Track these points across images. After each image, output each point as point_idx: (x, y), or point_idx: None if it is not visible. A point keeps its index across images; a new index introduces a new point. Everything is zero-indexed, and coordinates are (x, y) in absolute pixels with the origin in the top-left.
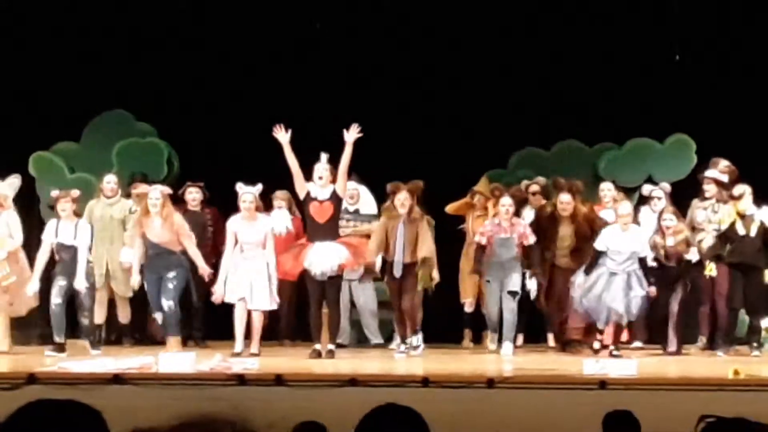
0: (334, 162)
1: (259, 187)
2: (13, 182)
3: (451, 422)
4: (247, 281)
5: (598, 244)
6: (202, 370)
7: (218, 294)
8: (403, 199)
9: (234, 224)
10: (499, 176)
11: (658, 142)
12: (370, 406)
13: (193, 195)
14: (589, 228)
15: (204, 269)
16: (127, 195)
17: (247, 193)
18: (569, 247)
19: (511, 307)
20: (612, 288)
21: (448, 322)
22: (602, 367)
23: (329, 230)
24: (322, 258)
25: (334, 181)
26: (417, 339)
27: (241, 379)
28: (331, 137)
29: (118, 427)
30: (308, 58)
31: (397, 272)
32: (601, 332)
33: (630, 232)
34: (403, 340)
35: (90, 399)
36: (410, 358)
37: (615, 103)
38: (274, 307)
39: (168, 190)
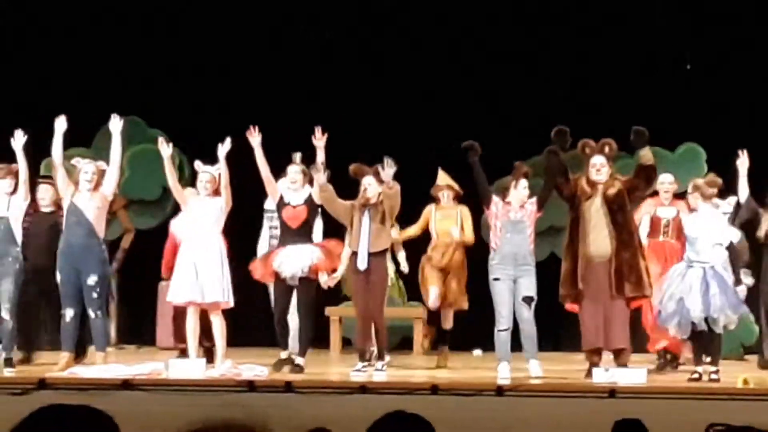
0: (308, 163)
1: (219, 166)
2: None
3: (460, 430)
4: (197, 276)
5: (686, 231)
6: (212, 377)
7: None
8: (366, 184)
9: (190, 204)
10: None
11: (669, 151)
12: (380, 413)
13: (42, 194)
14: (625, 199)
15: None
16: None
17: (205, 173)
18: (607, 229)
19: (527, 317)
20: (686, 283)
21: (456, 328)
22: (611, 376)
23: (303, 236)
24: (292, 259)
25: (309, 183)
26: (381, 364)
27: (251, 386)
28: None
29: None
30: (317, 63)
31: (362, 264)
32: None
33: (706, 216)
34: (363, 357)
35: (99, 405)
36: (418, 365)
37: (626, 112)
38: (231, 302)
39: (104, 165)
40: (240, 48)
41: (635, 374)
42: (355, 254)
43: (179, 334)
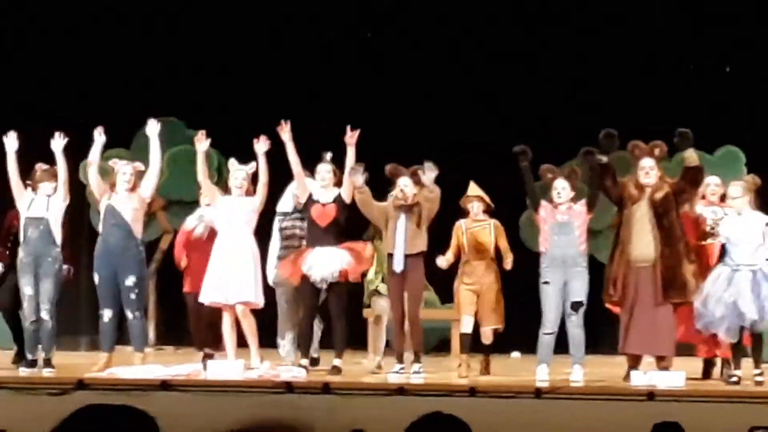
0: (339, 162)
1: (253, 165)
2: None
3: None
4: (228, 275)
5: (722, 236)
6: (250, 378)
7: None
8: (403, 185)
9: (221, 204)
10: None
11: (708, 154)
12: (417, 415)
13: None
14: (672, 203)
15: None
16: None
17: (240, 170)
18: (652, 234)
19: (575, 322)
20: (735, 287)
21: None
22: (650, 379)
23: (331, 235)
24: (322, 262)
25: (339, 183)
26: (418, 366)
27: (288, 387)
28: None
29: None
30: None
31: (398, 266)
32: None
33: (749, 219)
34: (400, 359)
35: (138, 405)
36: (455, 367)
37: (665, 115)
38: (260, 302)
39: (141, 166)
40: (278, 51)
41: (674, 377)
42: (390, 256)
43: (199, 339)
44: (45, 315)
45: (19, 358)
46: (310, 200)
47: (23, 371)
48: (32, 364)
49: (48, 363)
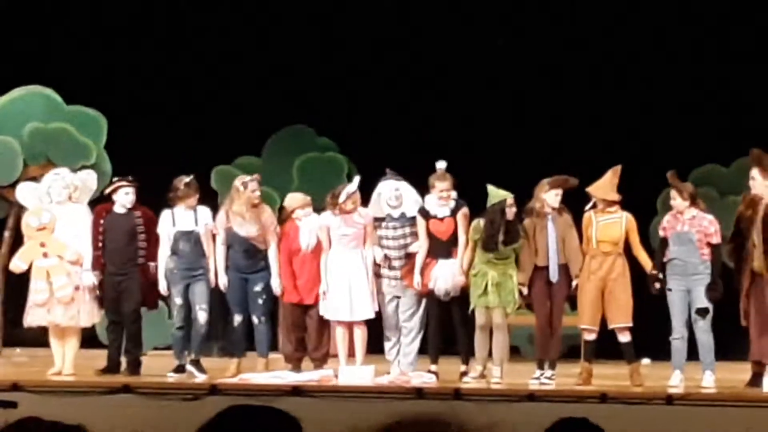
0: (457, 171)
1: (358, 179)
2: (86, 177)
3: None
4: (345, 292)
5: None
6: (381, 384)
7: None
8: (555, 195)
9: (327, 221)
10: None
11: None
12: (548, 422)
13: (130, 195)
14: None
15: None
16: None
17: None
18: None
19: (702, 328)
20: None
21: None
22: None
23: (451, 246)
24: (445, 276)
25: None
26: (551, 373)
27: (419, 393)
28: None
29: None
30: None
31: (554, 276)
32: None
33: None
34: (541, 365)
35: None
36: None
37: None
38: (375, 309)
39: (259, 177)
40: (405, 61)
41: None
42: (543, 269)
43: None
44: (201, 317)
45: (108, 368)
46: (427, 215)
47: (171, 377)
48: (181, 369)
49: (197, 364)
